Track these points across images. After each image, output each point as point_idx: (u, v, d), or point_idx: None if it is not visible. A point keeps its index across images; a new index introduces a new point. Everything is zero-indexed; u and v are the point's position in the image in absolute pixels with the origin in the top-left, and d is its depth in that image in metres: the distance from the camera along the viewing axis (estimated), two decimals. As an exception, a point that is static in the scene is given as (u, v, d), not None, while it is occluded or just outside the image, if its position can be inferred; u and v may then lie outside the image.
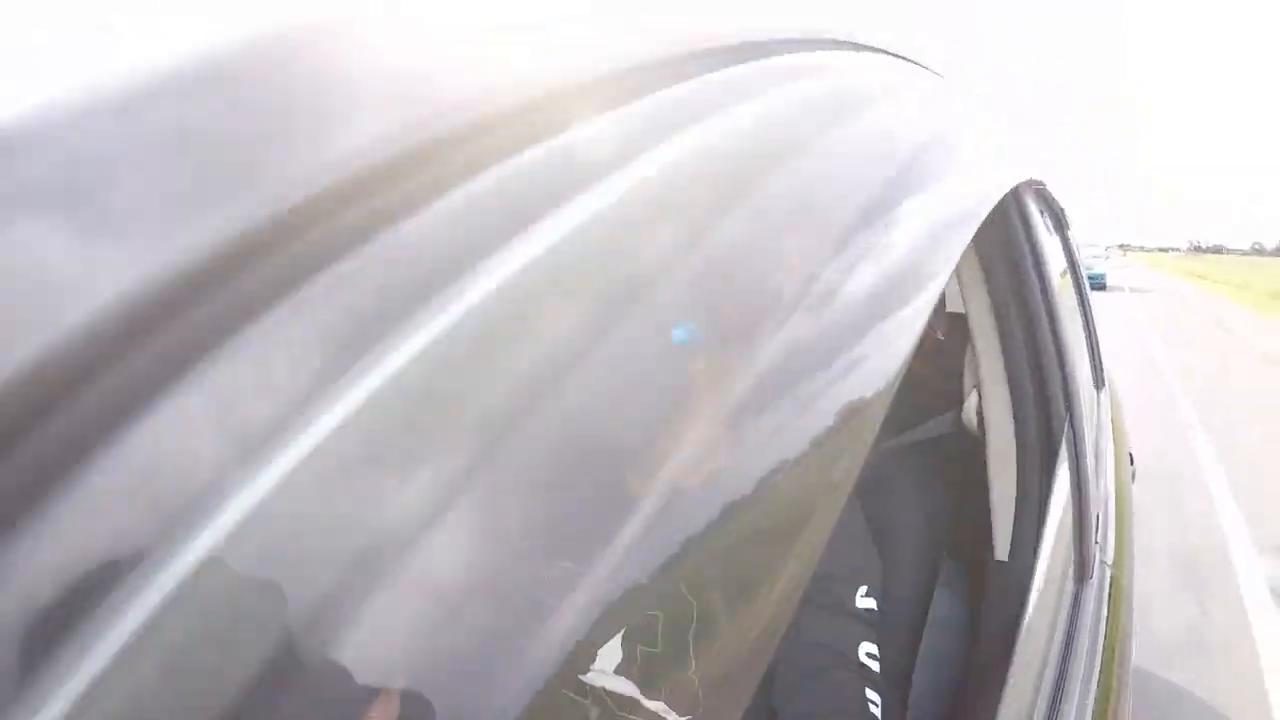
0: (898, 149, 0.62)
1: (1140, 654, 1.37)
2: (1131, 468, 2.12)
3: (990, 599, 0.95)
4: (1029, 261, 1.02)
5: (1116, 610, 1.16)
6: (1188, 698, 2.47)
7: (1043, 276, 1.05)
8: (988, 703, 0.72)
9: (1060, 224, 1.68)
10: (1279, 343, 11.17)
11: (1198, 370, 8.38)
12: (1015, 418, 1.01)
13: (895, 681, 0.96)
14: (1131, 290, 22.98)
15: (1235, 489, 4.24)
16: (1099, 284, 22.01)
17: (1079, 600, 1.06)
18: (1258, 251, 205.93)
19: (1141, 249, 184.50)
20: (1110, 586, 1.18)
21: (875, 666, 0.85)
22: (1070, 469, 1.09)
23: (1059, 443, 1.06)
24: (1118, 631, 1.12)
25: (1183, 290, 25.34)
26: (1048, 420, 1.04)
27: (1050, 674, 0.89)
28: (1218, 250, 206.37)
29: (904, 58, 0.84)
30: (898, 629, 1.02)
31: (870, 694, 0.81)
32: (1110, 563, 1.24)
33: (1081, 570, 1.10)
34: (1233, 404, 6.68)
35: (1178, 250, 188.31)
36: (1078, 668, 0.92)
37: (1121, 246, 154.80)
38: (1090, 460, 1.18)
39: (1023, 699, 0.80)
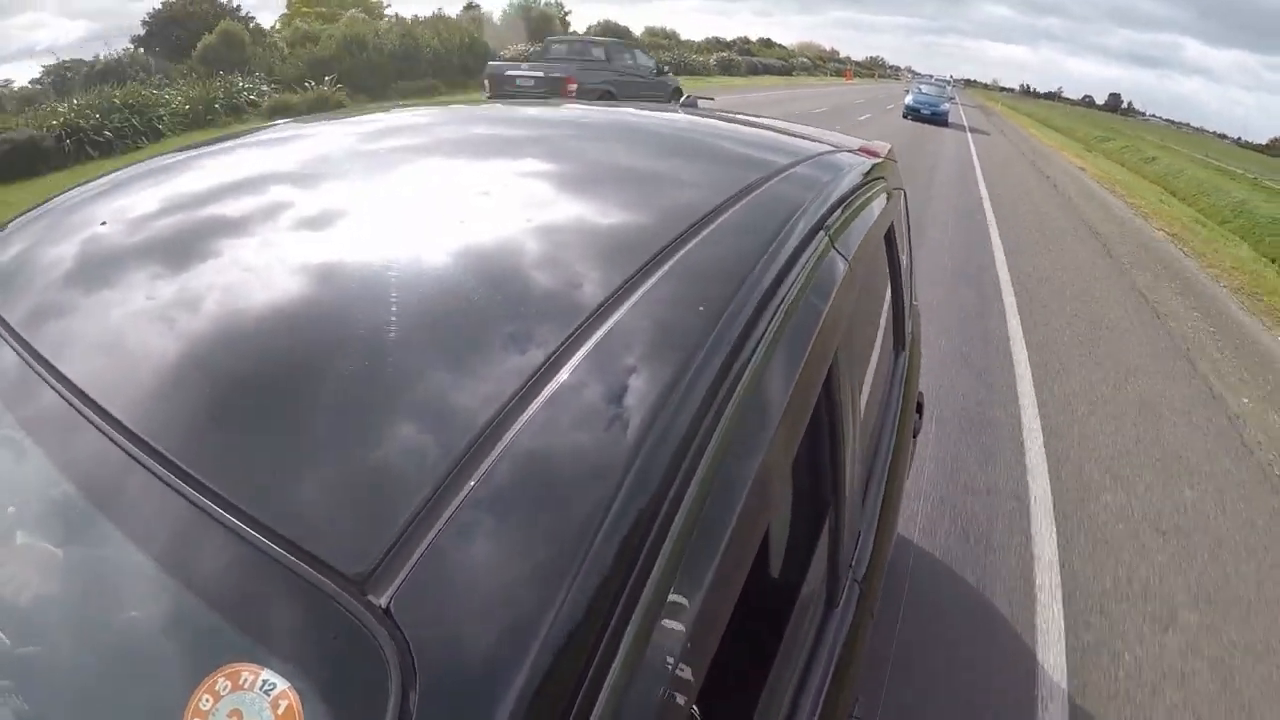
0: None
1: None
2: (918, 418, 2.14)
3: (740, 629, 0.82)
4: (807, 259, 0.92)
5: (859, 630, 1.15)
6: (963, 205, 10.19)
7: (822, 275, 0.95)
8: None
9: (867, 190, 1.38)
10: (1037, 143, 20.32)
11: (991, 159, 16.66)
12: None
13: None
14: (969, 129, 26.20)
15: (990, 189, 11.92)
16: (941, 120, 24.82)
17: (824, 627, 1.08)
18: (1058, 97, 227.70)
19: (984, 87, 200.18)
20: (857, 606, 1.17)
21: None
22: (830, 497, 1.07)
23: (823, 476, 1.06)
24: (855, 651, 1.13)
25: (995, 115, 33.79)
26: (813, 458, 1.02)
27: (786, 702, 0.93)
28: (1043, 95, 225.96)
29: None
30: None
31: None
32: (861, 578, 1.21)
33: (831, 597, 1.11)
34: (997, 165, 14.84)
35: (1011, 91, 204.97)
36: (806, 700, 0.96)
37: (967, 82, 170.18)
38: (850, 476, 1.12)
39: None
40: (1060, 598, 2.53)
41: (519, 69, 11.76)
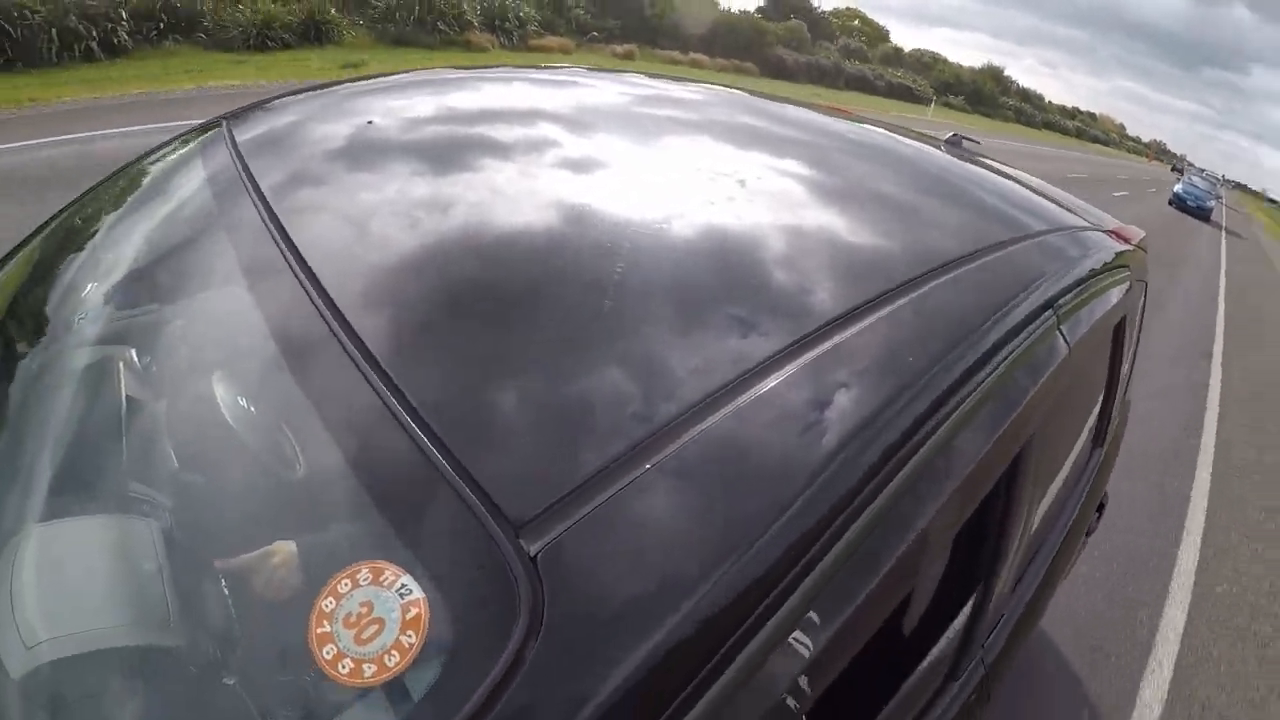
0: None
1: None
2: (1096, 517, 2.12)
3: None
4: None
5: (972, 712, 1.14)
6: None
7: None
8: None
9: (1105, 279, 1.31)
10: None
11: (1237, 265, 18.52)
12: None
13: None
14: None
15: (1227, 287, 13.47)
16: (1204, 216, 25.08)
17: (939, 696, 1.07)
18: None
19: (1254, 193, 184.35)
20: (977, 688, 1.16)
21: None
22: (983, 574, 1.07)
23: (983, 551, 1.06)
24: None
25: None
26: (978, 531, 1.02)
27: None
28: None
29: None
30: None
31: None
32: (990, 662, 1.19)
33: (955, 670, 1.10)
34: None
35: (1275, 203, 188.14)
36: None
37: (1237, 184, 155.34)
38: (1010, 560, 1.12)
39: None
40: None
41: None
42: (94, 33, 9.35)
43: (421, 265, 0.75)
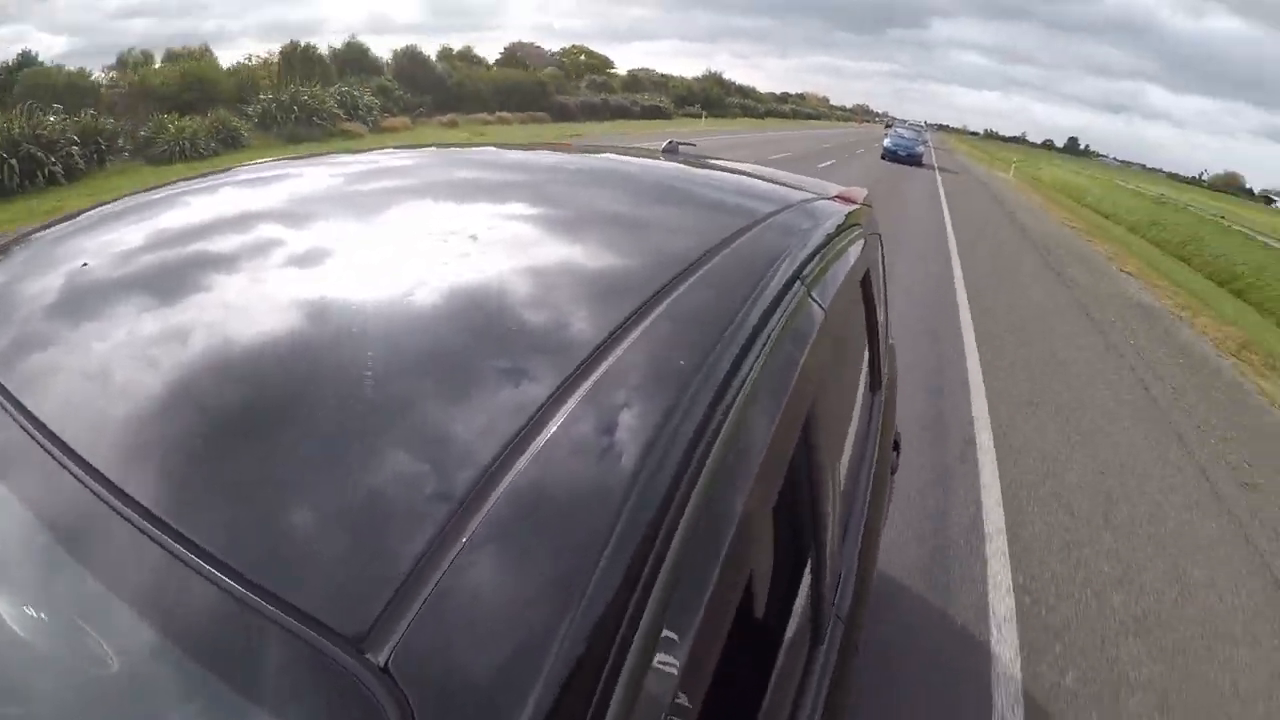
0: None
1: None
2: (895, 456, 2.24)
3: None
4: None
5: (845, 666, 1.19)
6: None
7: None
8: None
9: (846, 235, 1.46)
10: (991, 169, 30.92)
11: (954, 184, 24.37)
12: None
13: None
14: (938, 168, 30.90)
15: (948, 197, 19.23)
16: (915, 161, 28.27)
17: (810, 664, 1.10)
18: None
19: (955, 131, 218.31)
20: (842, 642, 1.20)
21: None
22: (812, 537, 1.10)
23: (804, 516, 1.07)
24: (843, 687, 1.17)
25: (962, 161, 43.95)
26: (794, 499, 1.02)
27: None
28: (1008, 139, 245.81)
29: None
30: None
31: None
32: (845, 615, 1.25)
33: (817, 635, 1.14)
34: (960, 191, 22.55)
35: (976, 135, 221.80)
36: None
37: (939, 126, 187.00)
38: (832, 516, 1.16)
39: None
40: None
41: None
42: (52, 159, 9.81)
43: (171, 404, 0.66)
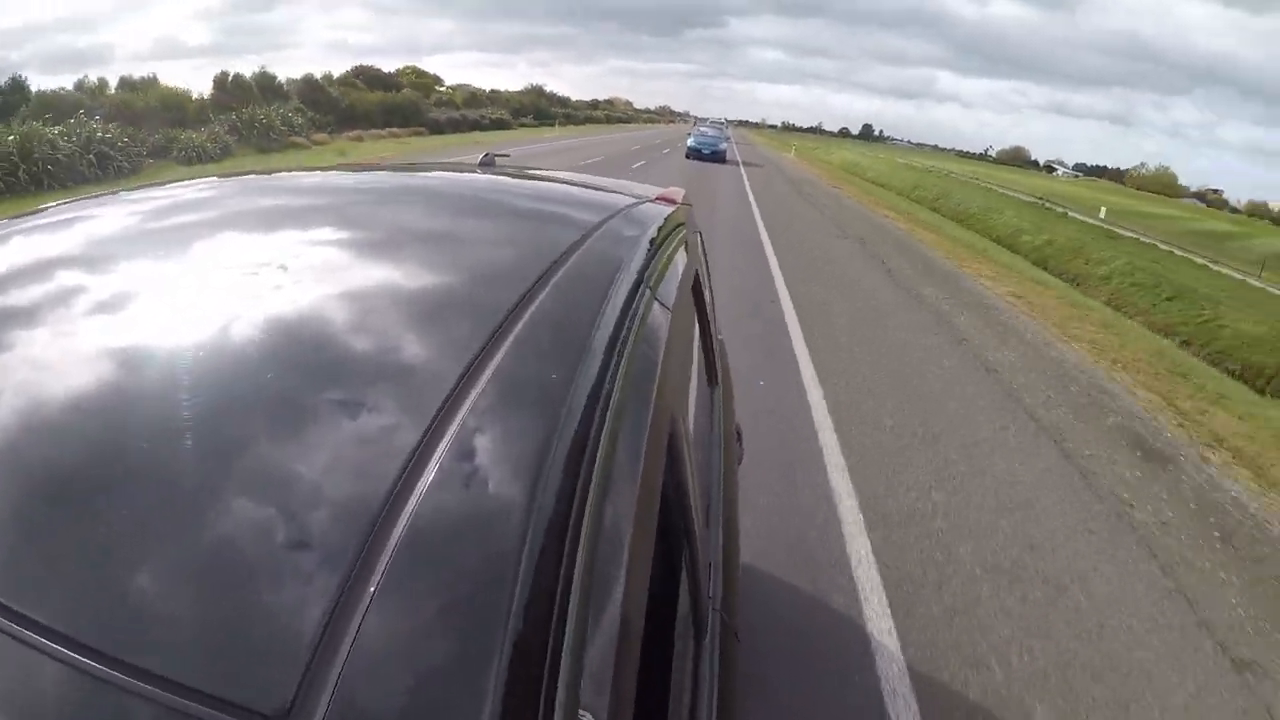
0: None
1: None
2: (740, 448, 2.33)
3: None
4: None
5: (729, 657, 1.21)
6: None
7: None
8: None
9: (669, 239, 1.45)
10: (790, 156, 42.63)
11: (750, 156, 32.04)
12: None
13: None
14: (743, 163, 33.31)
15: (752, 182, 24.20)
16: (720, 158, 29.71)
17: (699, 661, 1.12)
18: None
19: (754, 126, 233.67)
20: (723, 634, 1.23)
21: None
22: (683, 537, 1.10)
23: (675, 518, 1.05)
24: (731, 677, 1.20)
25: (765, 152, 52.48)
26: (666, 503, 0.99)
27: None
28: (805, 129, 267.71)
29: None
30: None
31: None
32: (722, 607, 1.27)
33: (700, 631, 1.15)
34: (762, 178, 29.24)
35: (775, 128, 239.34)
36: None
37: (740, 122, 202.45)
38: (696, 514, 1.16)
39: None
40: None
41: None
42: (118, 156, 14.15)
43: None
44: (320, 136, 23.85)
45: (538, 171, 1.99)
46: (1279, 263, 28.55)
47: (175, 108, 21.37)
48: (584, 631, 0.54)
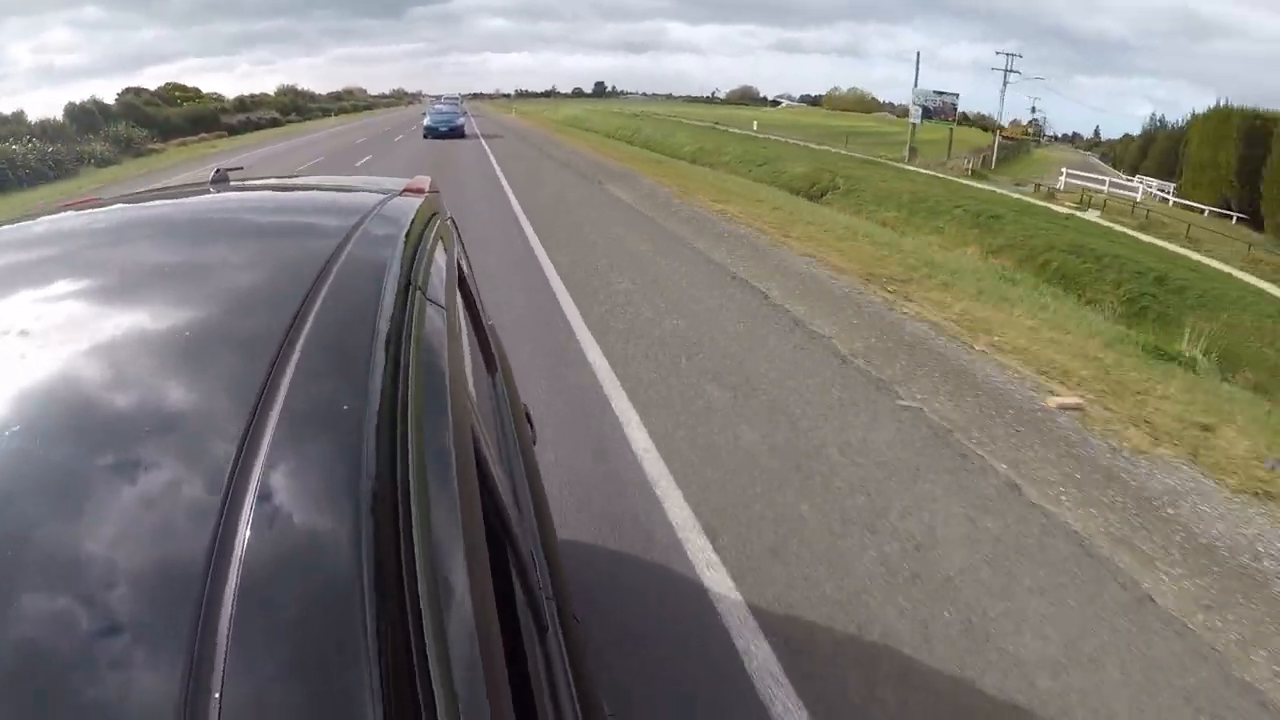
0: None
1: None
2: (531, 429, 2.27)
3: None
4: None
5: (575, 643, 1.18)
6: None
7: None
8: None
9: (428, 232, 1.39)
10: (511, 116, 56.13)
11: (483, 123, 39.34)
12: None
13: None
14: (482, 136, 33.84)
15: (494, 151, 27.75)
16: (459, 134, 30.00)
17: (549, 655, 1.09)
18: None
19: (489, 97, 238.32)
20: (562, 621, 1.19)
21: None
22: (503, 535, 1.06)
23: (493, 518, 1.01)
24: (583, 664, 1.18)
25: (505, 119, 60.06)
26: (483, 506, 0.95)
27: None
28: (540, 94, 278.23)
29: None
30: None
31: None
32: (554, 594, 1.23)
33: (541, 625, 1.12)
34: (492, 128, 36.89)
35: (509, 96, 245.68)
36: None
37: (474, 95, 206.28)
38: (509, 507, 1.14)
39: None
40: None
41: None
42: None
43: None
44: (156, 144, 30.67)
45: (274, 181, 2.01)
46: (859, 139, 43.40)
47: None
48: (446, 652, 0.53)
